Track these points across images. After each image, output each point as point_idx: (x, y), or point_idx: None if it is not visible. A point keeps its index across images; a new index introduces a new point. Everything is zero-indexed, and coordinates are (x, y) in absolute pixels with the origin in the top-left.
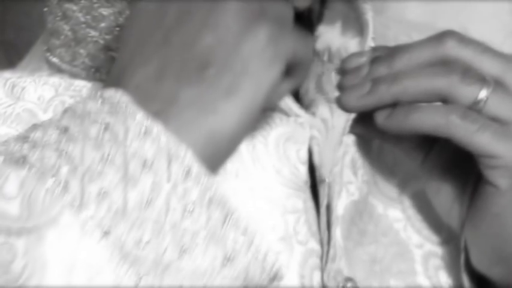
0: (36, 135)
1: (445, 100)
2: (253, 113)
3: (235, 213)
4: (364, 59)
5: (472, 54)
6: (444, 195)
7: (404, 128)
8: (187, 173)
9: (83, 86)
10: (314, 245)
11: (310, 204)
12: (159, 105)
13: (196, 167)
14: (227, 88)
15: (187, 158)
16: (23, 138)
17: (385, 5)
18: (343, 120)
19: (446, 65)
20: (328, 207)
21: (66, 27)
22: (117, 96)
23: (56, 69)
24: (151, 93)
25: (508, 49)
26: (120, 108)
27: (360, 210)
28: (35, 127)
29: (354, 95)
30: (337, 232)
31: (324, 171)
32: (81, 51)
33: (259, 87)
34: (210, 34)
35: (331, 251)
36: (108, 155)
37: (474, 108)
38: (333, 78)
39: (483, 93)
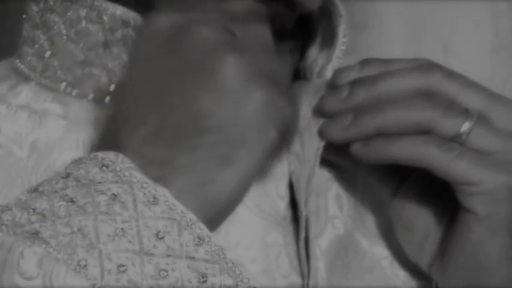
0: (43, 206)
1: (428, 132)
2: (249, 179)
3: (245, 279)
4: (354, 72)
5: (457, 89)
6: (416, 232)
7: (382, 158)
8: (198, 241)
9: (59, 124)
10: (295, 278)
11: (291, 238)
12: (156, 171)
13: (206, 235)
14: (223, 157)
15: (197, 226)
16: (28, 207)
17: (367, 22)
18: (312, 152)
19: (430, 97)
20: (307, 240)
21: (43, 37)
22: (119, 162)
23: (24, 78)
24: (148, 157)
25: (490, 65)
26: (125, 176)
27: (345, 245)
28: (37, 194)
29: (337, 127)
30: (321, 265)
31: (301, 205)
32: (55, 63)
33: (255, 155)
34: (208, 96)
35: (311, 282)
36: (122, 229)
37: (457, 141)
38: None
39: (466, 126)
